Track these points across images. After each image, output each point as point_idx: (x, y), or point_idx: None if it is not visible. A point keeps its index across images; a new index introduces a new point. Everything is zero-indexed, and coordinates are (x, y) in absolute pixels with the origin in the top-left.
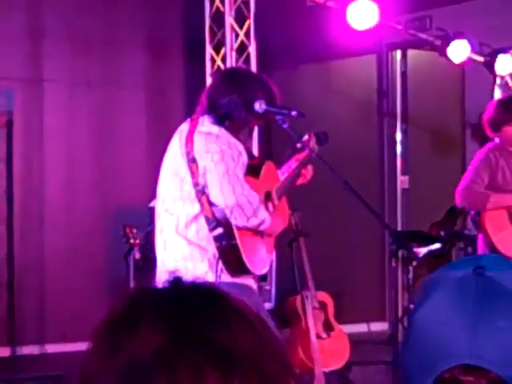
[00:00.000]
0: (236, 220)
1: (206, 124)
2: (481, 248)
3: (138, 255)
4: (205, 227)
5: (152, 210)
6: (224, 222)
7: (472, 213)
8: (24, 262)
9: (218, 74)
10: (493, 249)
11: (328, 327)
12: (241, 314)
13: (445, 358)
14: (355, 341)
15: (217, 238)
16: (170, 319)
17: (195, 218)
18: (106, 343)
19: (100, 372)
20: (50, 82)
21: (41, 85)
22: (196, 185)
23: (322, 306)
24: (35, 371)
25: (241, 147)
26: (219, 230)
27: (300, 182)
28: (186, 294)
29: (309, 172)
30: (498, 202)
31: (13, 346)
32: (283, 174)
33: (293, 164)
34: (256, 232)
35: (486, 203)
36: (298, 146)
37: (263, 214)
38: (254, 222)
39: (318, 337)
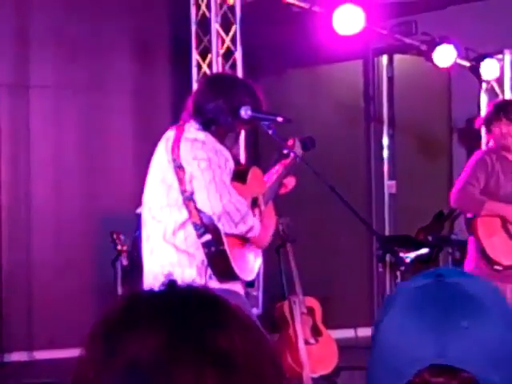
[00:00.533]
0: (224, 227)
1: (191, 130)
2: (471, 251)
3: (125, 261)
4: (193, 234)
5: (139, 216)
6: (212, 228)
7: (467, 215)
8: (11, 268)
9: (204, 79)
10: (483, 253)
11: (316, 332)
12: (237, 318)
13: (413, 361)
14: (343, 346)
15: (205, 245)
16: (169, 320)
17: (183, 224)
18: (102, 345)
19: (97, 374)
20: (37, 87)
21: (27, 90)
22: (183, 191)
23: (310, 311)
24: (24, 378)
25: (227, 153)
26: (207, 237)
27: (282, 191)
28: (183, 297)
29: (291, 182)
30: (492, 210)
31: (1, 353)
32: (268, 179)
33: (278, 169)
34: (244, 238)
35: (481, 210)
36: (285, 151)
37: (251, 221)
38: (242, 229)
39: (306, 342)
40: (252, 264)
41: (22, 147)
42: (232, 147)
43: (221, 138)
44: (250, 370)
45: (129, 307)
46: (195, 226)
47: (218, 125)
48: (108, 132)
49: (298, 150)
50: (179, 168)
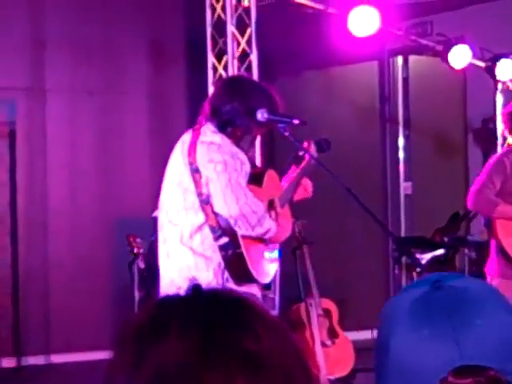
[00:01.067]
0: (240, 229)
1: (208, 133)
2: (492, 253)
3: (142, 264)
4: (209, 237)
5: (155, 220)
6: (229, 231)
7: (485, 217)
8: (28, 272)
9: (220, 81)
10: (503, 253)
11: (333, 334)
12: (265, 320)
13: (437, 371)
14: (360, 348)
15: (222, 248)
16: (197, 325)
17: (200, 228)
18: (132, 351)
19: (127, 379)
20: (53, 91)
21: (43, 94)
22: (200, 194)
23: (327, 313)
24: (41, 381)
25: (243, 156)
26: (224, 239)
27: (300, 196)
28: (209, 301)
29: (308, 184)
30: (504, 212)
31: (18, 357)
32: (285, 182)
33: (294, 172)
34: (261, 240)
35: (493, 212)
36: (301, 153)
37: (268, 223)
38: (259, 231)
39: (323, 344)
40: (268, 267)
41: (39, 150)
42: (248, 150)
43: (237, 140)
44: (278, 371)
45: (157, 313)
46: (212, 228)
47: (234, 127)
48: (124, 134)
49: (314, 152)
50: (196, 171)
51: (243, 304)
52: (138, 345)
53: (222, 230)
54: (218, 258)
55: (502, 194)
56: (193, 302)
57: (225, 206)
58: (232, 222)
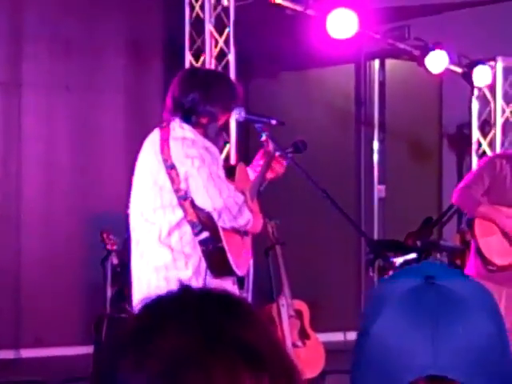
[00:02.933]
0: (224, 222)
1: (177, 129)
2: (471, 252)
3: (115, 261)
4: (188, 233)
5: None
6: (210, 226)
7: (467, 216)
8: (0, 266)
9: (178, 75)
10: (479, 253)
11: (304, 335)
12: (257, 317)
13: (408, 370)
14: (330, 350)
15: (203, 242)
16: (195, 323)
17: (178, 225)
18: (131, 354)
19: (128, 378)
20: (29, 85)
21: (19, 88)
22: (177, 191)
23: (298, 314)
24: (10, 376)
25: (215, 150)
26: (205, 234)
27: (270, 176)
28: (203, 297)
29: (280, 165)
30: (485, 213)
31: None
32: (253, 171)
33: (259, 160)
34: (237, 232)
35: (475, 211)
36: (277, 154)
37: (248, 214)
38: (240, 223)
39: (294, 345)
40: (245, 259)
41: (14, 145)
42: (216, 138)
43: (204, 130)
44: (279, 365)
45: (152, 314)
46: (192, 224)
47: (197, 115)
48: (100, 131)
49: (272, 147)
50: (171, 168)
51: (234, 300)
52: (136, 346)
53: (203, 224)
54: (197, 253)
55: (487, 195)
56: (186, 301)
57: (208, 200)
58: (215, 215)
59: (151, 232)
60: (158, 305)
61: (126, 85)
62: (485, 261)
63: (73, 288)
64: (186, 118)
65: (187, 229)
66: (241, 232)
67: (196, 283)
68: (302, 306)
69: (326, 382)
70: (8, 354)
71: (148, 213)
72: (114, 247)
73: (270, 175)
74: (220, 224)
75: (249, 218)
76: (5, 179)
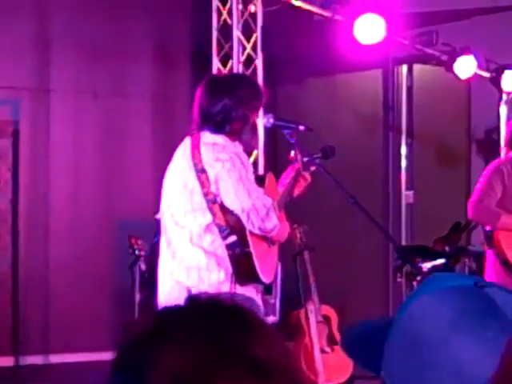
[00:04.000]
0: (253, 225)
1: (207, 136)
2: (490, 265)
3: (143, 266)
4: (218, 236)
5: (158, 222)
6: (238, 230)
7: (486, 228)
8: (29, 272)
9: (201, 85)
10: (505, 264)
11: (332, 341)
12: (265, 329)
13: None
14: None
15: (230, 246)
16: (204, 332)
17: (208, 227)
18: (136, 362)
19: None
20: (57, 91)
21: (47, 94)
22: (206, 194)
23: (326, 319)
24: (39, 381)
25: (245, 157)
26: (233, 238)
27: (296, 192)
28: (210, 310)
29: (306, 179)
30: (507, 223)
31: (16, 356)
32: (281, 185)
33: (289, 174)
34: (264, 240)
35: (496, 223)
36: (305, 160)
37: (275, 219)
38: (268, 226)
39: (322, 351)
40: (272, 267)
41: (42, 150)
42: (251, 139)
43: (238, 135)
44: (284, 378)
45: (159, 323)
46: (220, 227)
47: (230, 122)
48: (127, 136)
49: (301, 161)
50: (201, 172)
51: (245, 313)
52: (142, 354)
53: (230, 228)
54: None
55: (501, 203)
56: (194, 312)
57: (237, 200)
58: (244, 216)
59: (182, 235)
60: (165, 315)
61: (154, 91)
62: (510, 269)
63: (101, 293)
64: (220, 128)
65: (217, 235)
66: (268, 240)
67: (227, 287)
68: (330, 311)
69: None
70: (37, 360)
71: (178, 216)
72: (143, 252)
73: (296, 192)
74: (248, 227)
75: (276, 224)
76: (33, 186)
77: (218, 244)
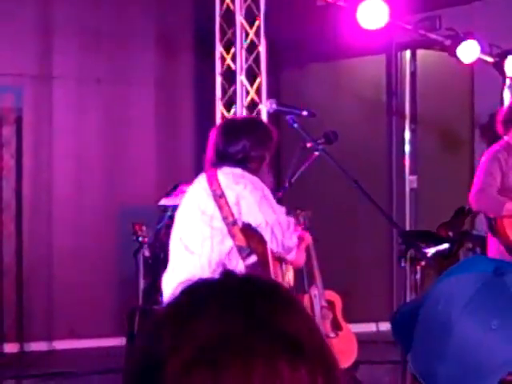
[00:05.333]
0: (276, 239)
1: (225, 169)
2: (493, 250)
3: (147, 253)
4: (238, 263)
5: (161, 208)
6: (259, 251)
7: (490, 215)
8: (33, 259)
9: (216, 128)
10: (510, 250)
11: (336, 326)
12: (300, 306)
13: (500, 366)
14: (363, 340)
15: (251, 267)
16: (237, 308)
17: (228, 255)
18: (170, 333)
19: (163, 362)
20: (60, 78)
21: (50, 81)
22: (225, 218)
23: (330, 304)
24: (43, 367)
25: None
26: (253, 258)
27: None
28: (244, 285)
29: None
30: None
31: (21, 343)
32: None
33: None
34: (278, 261)
35: (501, 210)
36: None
37: (295, 238)
38: (290, 244)
39: (326, 336)
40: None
41: (45, 137)
42: (267, 178)
43: (256, 173)
44: (318, 357)
45: (194, 295)
46: (240, 249)
47: (249, 161)
48: (130, 123)
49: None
50: (220, 197)
51: (276, 288)
52: (177, 326)
53: (251, 248)
54: None
55: (501, 191)
56: (229, 285)
57: (261, 215)
58: (268, 231)
59: (198, 263)
60: (198, 288)
61: (157, 77)
62: None
63: (105, 280)
64: (239, 165)
65: (237, 260)
66: (281, 262)
67: None
68: (335, 296)
69: (359, 373)
70: (42, 346)
71: (195, 245)
72: (146, 239)
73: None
74: (271, 243)
75: (295, 243)
76: (36, 173)
77: (237, 268)
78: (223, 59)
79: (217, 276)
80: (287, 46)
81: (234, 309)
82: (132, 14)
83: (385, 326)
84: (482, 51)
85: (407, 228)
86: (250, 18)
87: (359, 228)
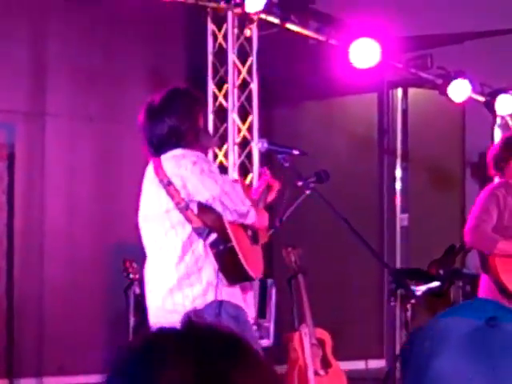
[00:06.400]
0: (229, 209)
1: (166, 154)
2: (484, 288)
3: (138, 290)
4: (199, 245)
5: None
6: (217, 227)
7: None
8: (23, 295)
9: (140, 118)
10: (502, 290)
11: (326, 364)
12: (252, 356)
13: None
14: (353, 378)
15: (213, 244)
16: (194, 358)
17: (189, 239)
18: (126, 379)
19: None
20: (52, 116)
21: (43, 118)
22: (178, 204)
23: (320, 342)
24: None
25: (205, 157)
26: (213, 236)
27: (269, 199)
28: (206, 336)
29: (276, 186)
30: (505, 250)
31: (11, 379)
32: (254, 195)
33: (260, 187)
34: (247, 237)
35: (494, 248)
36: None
37: (249, 202)
38: (243, 209)
39: (316, 373)
40: (258, 262)
41: (37, 174)
42: (208, 142)
43: (195, 144)
44: None
45: (153, 343)
46: (198, 230)
47: (183, 137)
48: (122, 160)
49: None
50: (168, 185)
51: (238, 342)
52: (134, 373)
53: (209, 227)
54: (210, 264)
55: (497, 229)
56: (187, 335)
57: (205, 190)
58: (218, 204)
59: (165, 255)
60: (158, 336)
61: None
62: (509, 297)
63: (96, 316)
64: (175, 146)
65: (198, 242)
66: (249, 235)
67: (211, 295)
68: (324, 334)
69: None
70: (31, 382)
71: (160, 239)
72: (137, 276)
73: (269, 199)
74: (226, 215)
75: (249, 210)
76: (28, 209)
77: (198, 254)
78: (215, 97)
79: (180, 325)
80: (280, 83)
81: (191, 361)
82: (124, 53)
83: (374, 364)
84: (473, 90)
85: (398, 265)
86: (243, 56)
87: (349, 266)
